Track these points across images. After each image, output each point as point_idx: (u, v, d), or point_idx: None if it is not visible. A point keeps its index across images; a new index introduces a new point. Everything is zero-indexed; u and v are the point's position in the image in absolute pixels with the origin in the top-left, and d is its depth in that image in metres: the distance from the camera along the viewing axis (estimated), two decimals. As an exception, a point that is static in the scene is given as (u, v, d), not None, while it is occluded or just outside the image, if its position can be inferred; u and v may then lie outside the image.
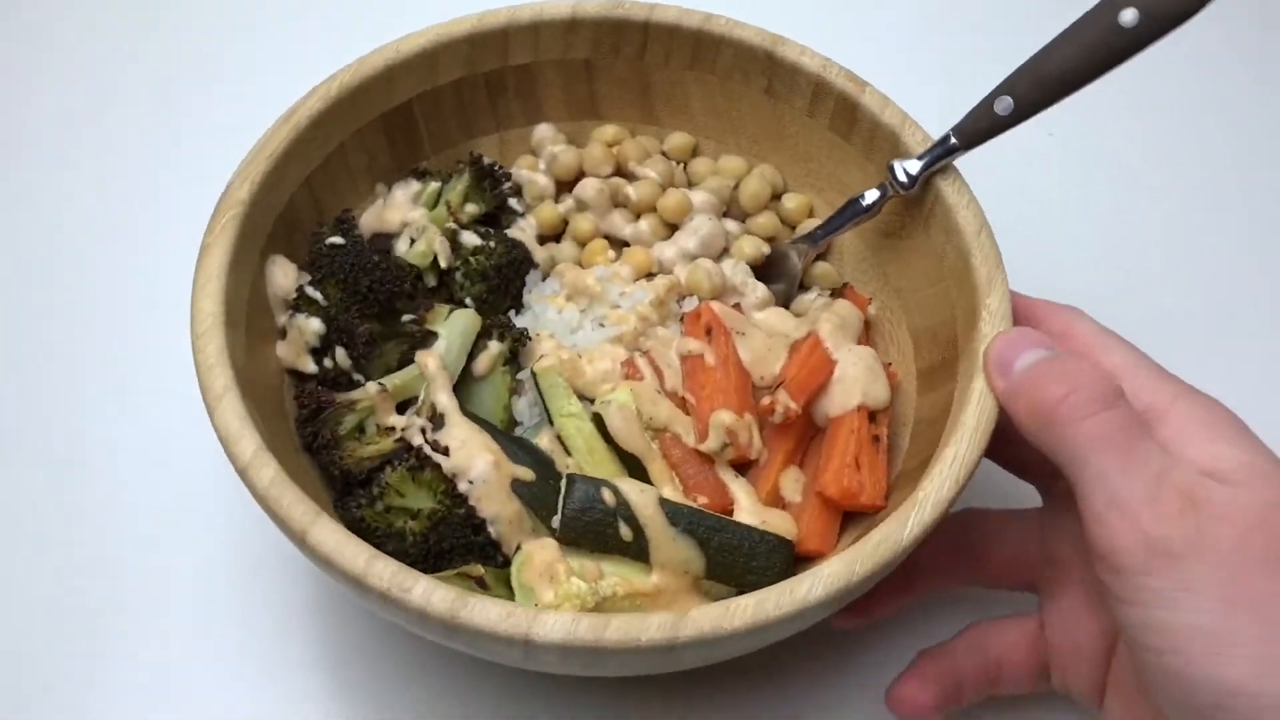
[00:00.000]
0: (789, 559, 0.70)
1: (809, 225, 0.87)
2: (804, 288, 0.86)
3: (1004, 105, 0.73)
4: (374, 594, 0.61)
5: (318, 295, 0.75)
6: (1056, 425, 0.61)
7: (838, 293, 0.83)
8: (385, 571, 0.61)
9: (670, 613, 0.60)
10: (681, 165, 0.90)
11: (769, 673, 0.80)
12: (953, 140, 0.75)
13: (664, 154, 0.90)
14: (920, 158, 0.76)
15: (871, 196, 0.80)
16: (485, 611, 0.59)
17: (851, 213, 0.81)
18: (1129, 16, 0.69)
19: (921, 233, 0.79)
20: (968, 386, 0.69)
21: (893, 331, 0.83)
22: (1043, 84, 0.72)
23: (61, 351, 0.93)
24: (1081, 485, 0.60)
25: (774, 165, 0.89)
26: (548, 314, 0.80)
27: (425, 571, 0.68)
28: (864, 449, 0.73)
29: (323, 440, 0.73)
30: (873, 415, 0.75)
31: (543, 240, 0.87)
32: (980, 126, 0.74)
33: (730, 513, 0.73)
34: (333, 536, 0.62)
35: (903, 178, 0.77)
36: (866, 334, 0.83)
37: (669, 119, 0.91)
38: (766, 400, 0.74)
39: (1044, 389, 0.62)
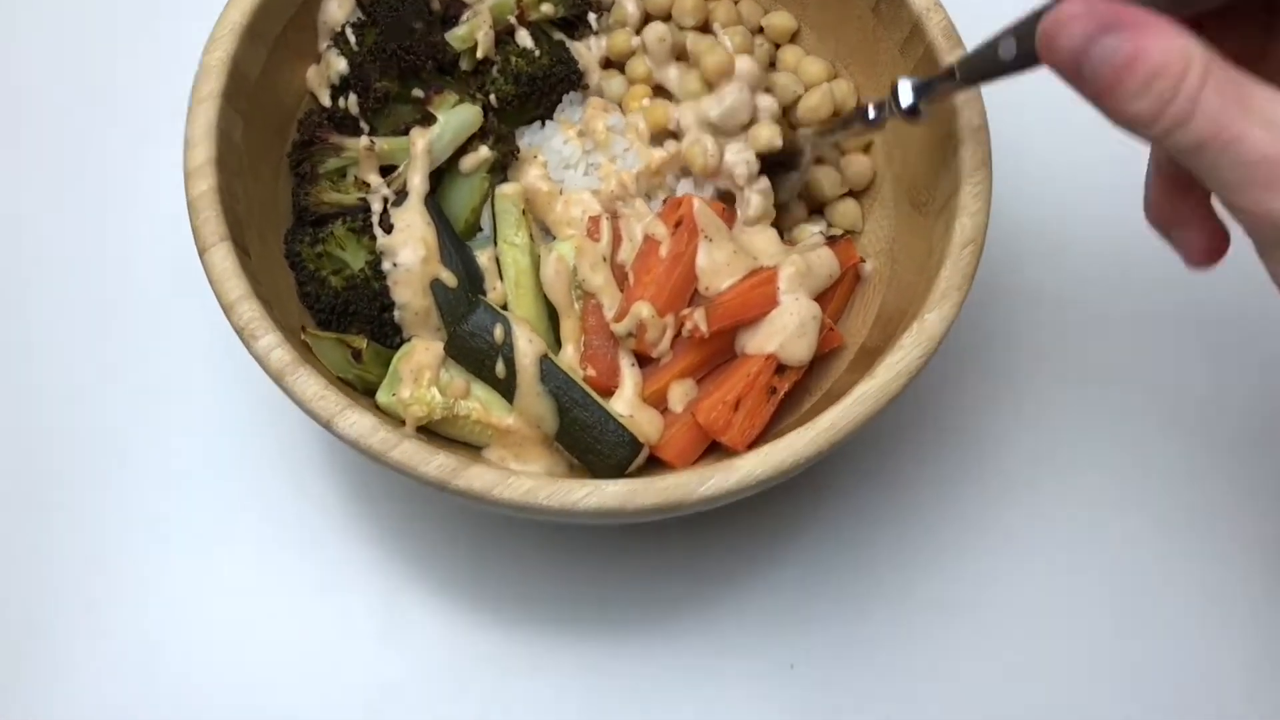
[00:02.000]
0: (630, 457, 0.73)
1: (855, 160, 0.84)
2: (820, 211, 0.84)
3: (1008, 49, 0.63)
4: (235, 328, 0.67)
5: (352, 39, 0.79)
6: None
7: (834, 240, 0.81)
8: (246, 313, 0.67)
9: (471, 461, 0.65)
10: (773, 46, 0.87)
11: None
12: (956, 73, 0.67)
13: (761, 29, 0.87)
14: (914, 85, 0.69)
15: (875, 111, 0.73)
16: (305, 385, 0.66)
17: (857, 119, 0.75)
18: None
19: (932, 221, 0.76)
20: (861, 387, 0.68)
21: (871, 298, 0.81)
22: None
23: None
24: None
25: (854, 85, 0.85)
26: (554, 140, 0.82)
27: (326, 324, 0.76)
28: (752, 394, 0.74)
29: (303, 170, 0.79)
30: (782, 368, 0.75)
31: (607, 65, 0.87)
32: (983, 66, 0.64)
33: (611, 393, 0.76)
34: (223, 263, 0.68)
35: (902, 100, 0.69)
36: (849, 291, 0.81)
37: (783, -6, 0.87)
38: (686, 311, 0.75)
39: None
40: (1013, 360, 0.90)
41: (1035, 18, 0.60)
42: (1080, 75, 0.52)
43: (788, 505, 0.84)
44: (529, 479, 0.64)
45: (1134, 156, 0.74)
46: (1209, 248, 0.62)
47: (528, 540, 0.83)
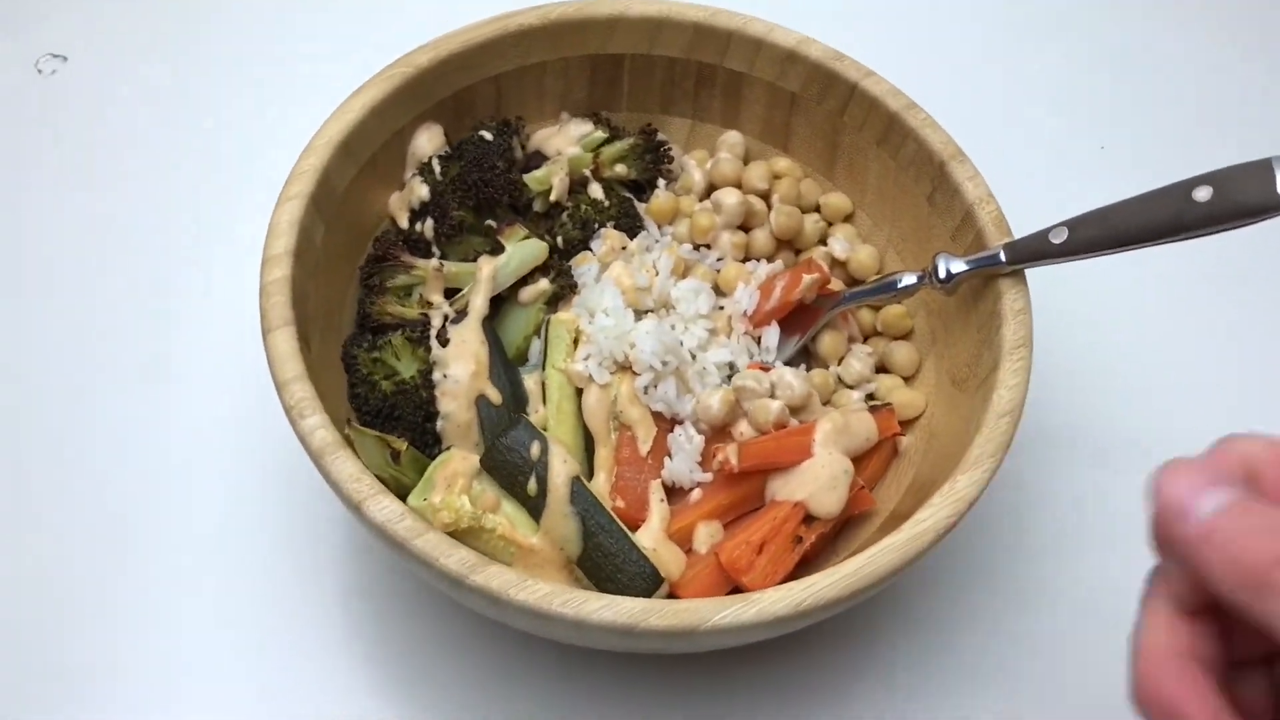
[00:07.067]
0: (649, 589, 0.73)
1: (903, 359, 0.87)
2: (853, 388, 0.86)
3: (1059, 235, 0.75)
4: (284, 406, 0.70)
5: (437, 169, 0.84)
6: (1272, 591, 0.46)
7: (876, 409, 0.82)
8: (299, 392, 0.69)
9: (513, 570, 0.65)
10: (827, 224, 0.91)
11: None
12: (1001, 255, 0.77)
13: (818, 208, 0.92)
14: (966, 261, 0.78)
15: (908, 280, 0.82)
16: (342, 466, 0.67)
17: (885, 288, 0.83)
18: (1202, 194, 0.69)
19: (971, 397, 0.77)
20: (889, 539, 0.68)
21: (905, 469, 0.82)
22: (1105, 228, 0.73)
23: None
24: None
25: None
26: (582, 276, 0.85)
27: (370, 425, 0.78)
28: (777, 539, 0.74)
29: (373, 283, 0.83)
30: (810, 519, 0.75)
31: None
32: (1032, 249, 0.76)
33: (638, 526, 0.76)
34: (285, 345, 0.71)
35: (942, 273, 0.79)
36: (887, 461, 0.82)
37: (844, 181, 0.92)
38: (719, 445, 0.76)
39: (1249, 546, 0.46)
40: (1047, 531, 0.90)
41: (1095, 218, 0.74)
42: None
43: (799, 656, 0.82)
44: (546, 585, 0.64)
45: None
46: None
47: (534, 679, 0.81)
